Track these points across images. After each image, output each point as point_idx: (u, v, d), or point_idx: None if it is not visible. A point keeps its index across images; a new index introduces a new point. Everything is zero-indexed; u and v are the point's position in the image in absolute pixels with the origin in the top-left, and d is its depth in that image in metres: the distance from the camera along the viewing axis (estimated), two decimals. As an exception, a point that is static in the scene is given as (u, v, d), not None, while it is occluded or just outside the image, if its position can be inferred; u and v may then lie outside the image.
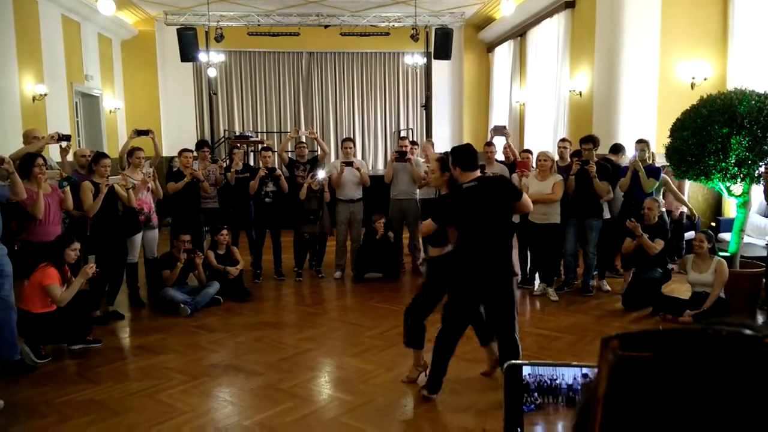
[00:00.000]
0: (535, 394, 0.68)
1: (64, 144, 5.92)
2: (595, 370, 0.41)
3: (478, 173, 3.65)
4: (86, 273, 4.56)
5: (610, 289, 6.30)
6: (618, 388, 0.39)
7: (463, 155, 3.66)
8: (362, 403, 3.73)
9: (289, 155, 7.49)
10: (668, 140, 5.94)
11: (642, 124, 7.89)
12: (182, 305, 5.61)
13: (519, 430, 0.68)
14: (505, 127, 7.62)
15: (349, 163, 6.79)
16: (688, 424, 0.36)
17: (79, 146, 9.52)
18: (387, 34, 11.74)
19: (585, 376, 0.69)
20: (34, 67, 8.57)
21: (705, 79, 7.93)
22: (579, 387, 0.69)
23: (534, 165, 6.38)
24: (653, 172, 6.33)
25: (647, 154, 6.50)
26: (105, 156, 5.56)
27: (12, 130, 7.57)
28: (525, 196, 3.73)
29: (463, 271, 3.59)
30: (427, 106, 12.55)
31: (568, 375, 0.69)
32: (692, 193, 8.19)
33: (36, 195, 4.71)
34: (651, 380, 0.38)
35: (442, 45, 10.99)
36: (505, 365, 0.71)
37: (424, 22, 11.28)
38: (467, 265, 3.57)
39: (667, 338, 0.40)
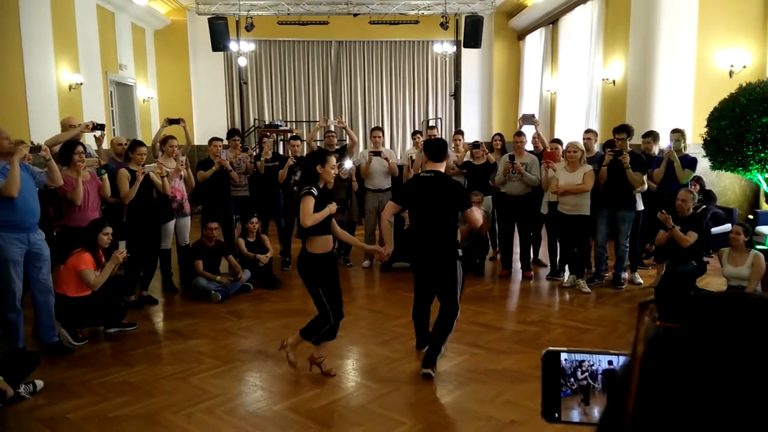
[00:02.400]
0: (572, 380, 0.69)
1: (98, 133, 6.04)
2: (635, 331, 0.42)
3: (439, 167, 4.06)
4: (117, 258, 4.66)
5: (642, 281, 6.20)
6: (654, 354, 0.40)
7: (431, 147, 4.16)
8: (389, 391, 3.76)
9: (318, 144, 7.53)
10: (705, 130, 5.81)
11: (678, 114, 7.71)
12: (213, 292, 5.71)
13: (557, 414, 0.69)
14: (533, 115, 7.52)
15: (378, 153, 6.79)
16: (721, 386, 0.36)
17: (114, 135, 9.71)
18: (416, 22, 11.67)
19: (609, 362, 0.70)
20: (70, 57, 8.76)
21: (744, 67, 7.71)
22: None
23: (562, 156, 6.29)
24: (689, 162, 6.18)
25: (682, 144, 6.34)
26: (141, 144, 5.66)
27: (49, 118, 7.76)
28: (474, 211, 4.12)
29: (412, 248, 4.17)
30: (457, 95, 12.45)
31: (605, 361, 0.70)
32: (729, 184, 8.01)
33: (75, 182, 4.83)
34: (684, 348, 0.39)
35: (472, 33, 10.87)
36: (543, 352, 0.71)
37: (454, 9, 11.17)
38: (413, 243, 4.12)
39: (697, 305, 0.40)
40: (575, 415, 0.70)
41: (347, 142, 7.57)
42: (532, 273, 6.60)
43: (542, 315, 5.33)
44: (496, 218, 6.90)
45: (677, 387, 0.38)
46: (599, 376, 0.70)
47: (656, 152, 6.61)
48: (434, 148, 4.14)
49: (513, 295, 6.11)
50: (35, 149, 4.44)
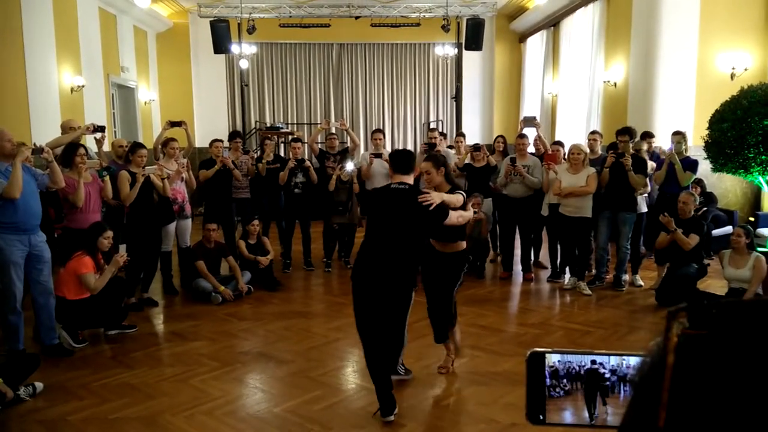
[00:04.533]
0: (564, 381, 0.69)
1: (98, 135, 6.05)
2: (662, 340, 0.41)
3: (405, 178, 3.52)
4: (117, 262, 4.66)
5: (643, 284, 6.19)
6: (684, 362, 0.39)
7: (396, 159, 3.62)
8: (390, 393, 3.75)
9: (320, 146, 7.53)
10: (706, 132, 5.81)
11: (679, 116, 7.71)
12: (214, 294, 5.71)
13: (541, 417, 0.69)
14: (535, 118, 7.53)
15: (379, 155, 6.79)
16: (754, 394, 0.36)
17: (115, 137, 9.73)
18: (418, 24, 11.69)
19: (593, 362, 0.69)
20: (72, 59, 8.78)
21: (745, 70, 7.71)
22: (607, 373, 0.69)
23: (565, 158, 6.28)
24: (690, 164, 6.18)
25: (684, 147, 6.34)
26: (141, 146, 5.67)
27: (51, 120, 7.77)
28: (451, 215, 3.51)
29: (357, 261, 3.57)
30: (458, 97, 12.46)
31: (589, 362, 0.70)
32: (730, 186, 8.00)
33: (77, 183, 4.83)
34: (715, 356, 0.38)
35: (473, 36, 10.88)
36: (528, 353, 0.71)
37: (456, 12, 11.19)
38: (360, 256, 3.54)
39: (726, 312, 0.40)
40: (565, 417, 0.69)
41: (349, 144, 7.57)
42: (533, 275, 6.59)
43: (543, 317, 5.33)
44: (497, 220, 6.90)
45: (708, 396, 0.37)
46: (584, 377, 0.69)
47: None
48: (398, 158, 3.61)
49: (514, 298, 6.10)
50: (38, 151, 4.45)
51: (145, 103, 11.87)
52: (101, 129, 5.82)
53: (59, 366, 4.19)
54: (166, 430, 3.32)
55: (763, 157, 5.18)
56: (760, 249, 5.34)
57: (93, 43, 9.51)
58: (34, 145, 4.96)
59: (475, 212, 6.33)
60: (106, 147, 6.66)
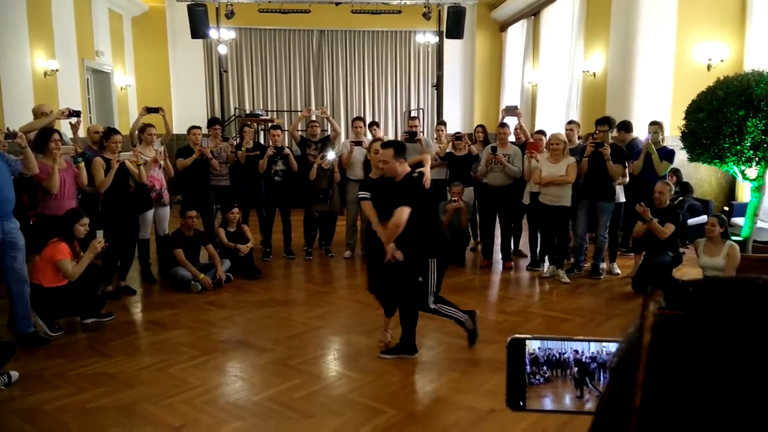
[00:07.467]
0: (545, 368, 0.69)
1: (74, 120, 5.93)
2: (638, 320, 0.41)
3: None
4: (95, 248, 4.59)
5: (620, 272, 6.28)
6: (659, 343, 0.39)
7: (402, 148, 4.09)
8: (370, 381, 3.77)
9: (301, 134, 7.48)
10: (683, 122, 5.88)
11: (657, 106, 7.79)
12: (193, 282, 5.66)
13: (521, 403, 0.69)
14: (516, 107, 7.55)
15: (359, 143, 6.77)
16: (731, 374, 0.35)
17: (90, 122, 9.53)
18: (399, 12, 11.61)
19: (576, 351, 0.69)
20: (45, 43, 8.56)
21: (722, 61, 7.81)
22: (587, 360, 0.69)
23: (545, 147, 6.32)
24: (666, 154, 6.26)
25: (660, 137, 6.42)
26: (116, 132, 5.57)
27: (24, 105, 7.58)
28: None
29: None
30: (439, 86, 12.44)
31: (571, 349, 0.70)
32: (706, 176, 8.13)
33: (51, 170, 4.73)
34: (692, 336, 0.38)
35: (454, 24, 10.85)
36: (509, 339, 0.71)
37: (437, 0, 11.14)
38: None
39: (704, 291, 0.39)
40: (545, 403, 0.70)
41: (330, 132, 7.52)
42: (513, 263, 6.65)
43: (522, 305, 5.38)
44: (478, 209, 6.93)
45: (686, 377, 0.37)
46: (570, 364, 0.70)
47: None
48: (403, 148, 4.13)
49: (493, 286, 6.15)
50: (11, 136, 4.35)
51: (121, 88, 11.64)
52: (77, 114, 5.70)
53: (35, 355, 4.13)
54: (144, 419, 3.29)
55: (738, 147, 5.27)
56: (734, 238, 5.44)
57: (67, 26, 9.28)
58: (7, 129, 4.86)
59: (455, 201, 6.37)
60: (82, 133, 6.53)
